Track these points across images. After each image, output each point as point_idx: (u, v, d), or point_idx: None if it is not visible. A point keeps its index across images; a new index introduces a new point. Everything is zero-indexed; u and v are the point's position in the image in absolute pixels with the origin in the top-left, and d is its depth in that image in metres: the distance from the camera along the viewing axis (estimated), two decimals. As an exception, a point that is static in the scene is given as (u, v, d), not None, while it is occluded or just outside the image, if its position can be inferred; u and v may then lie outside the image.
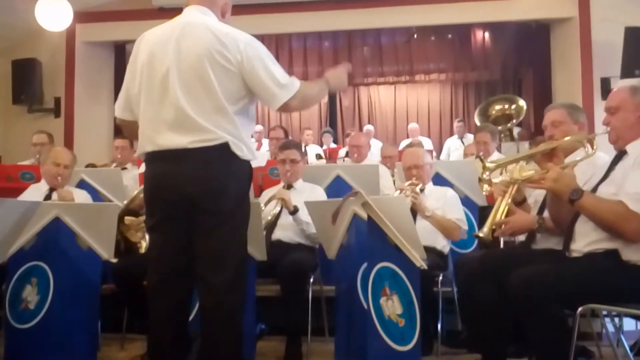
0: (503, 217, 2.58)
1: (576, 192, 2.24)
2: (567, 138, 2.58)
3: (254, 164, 2.51)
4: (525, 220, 2.67)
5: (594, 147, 2.45)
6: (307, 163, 5.87)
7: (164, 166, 2.34)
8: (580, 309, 2.14)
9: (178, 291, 2.38)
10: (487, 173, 2.49)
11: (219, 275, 2.30)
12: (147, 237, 3.31)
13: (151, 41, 2.41)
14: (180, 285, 2.38)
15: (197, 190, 2.29)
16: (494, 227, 2.52)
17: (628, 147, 2.36)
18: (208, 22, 2.39)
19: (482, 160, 2.49)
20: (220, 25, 2.39)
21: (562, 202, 2.35)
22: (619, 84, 5.74)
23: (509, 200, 2.56)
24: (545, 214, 2.69)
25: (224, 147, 2.31)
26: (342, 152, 7.10)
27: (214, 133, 2.29)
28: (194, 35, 2.34)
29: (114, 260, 3.34)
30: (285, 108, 2.42)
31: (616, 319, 2.78)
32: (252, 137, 8.02)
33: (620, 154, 2.40)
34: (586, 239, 2.33)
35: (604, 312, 2.50)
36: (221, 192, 2.31)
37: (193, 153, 2.29)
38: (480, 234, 2.57)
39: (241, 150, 2.35)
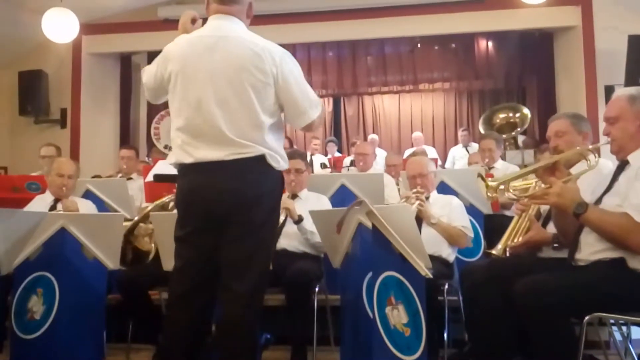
0: (520, 239, 2.58)
1: (581, 206, 2.23)
2: (567, 152, 2.55)
3: None
4: (541, 238, 2.67)
5: (596, 158, 2.42)
6: (312, 172, 5.88)
7: (201, 178, 2.32)
8: (587, 317, 2.13)
9: (199, 302, 2.38)
10: (491, 192, 2.47)
11: (244, 284, 2.30)
12: (154, 242, 3.33)
13: (183, 54, 2.36)
14: (202, 297, 2.37)
15: (234, 201, 2.29)
16: (507, 247, 2.52)
17: (630, 157, 2.35)
18: (242, 34, 2.37)
19: (483, 179, 2.47)
20: (255, 38, 2.36)
21: (567, 216, 2.34)
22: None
23: (527, 222, 2.55)
24: (550, 226, 2.69)
25: (260, 159, 2.31)
26: (347, 161, 7.11)
27: (250, 147, 2.29)
28: (230, 50, 2.31)
29: (123, 268, 3.34)
30: (309, 126, 2.44)
31: (624, 328, 2.76)
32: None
33: (623, 164, 2.38)
34: (591, 249, 2.32)
35: (612, 321, 2.48)
36: (256, 203, 2.31)
37: (229, 164, 2.28)
38: (494, 252, 2.57)
39: (277, 161, 2.36)
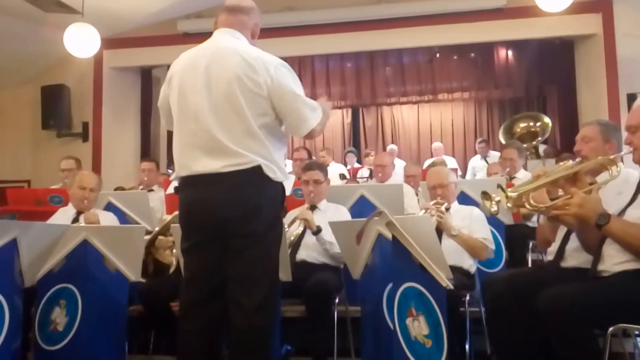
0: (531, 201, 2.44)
1: (603, 217, 2.19)
2: (588, 162, 2.48)
3: None
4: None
5: (618, 168, 2.38)
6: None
7: (198, 191, 2.37)
8: (611, 328, 2.10)
9: (210, 312, 2.39)
10: (511, 203, 2.41)
11: (251, 297, 2.31)
12: (174, 254, 3.34)
13: (183, 66, 2.44)
14: (212, 307, 2.39)
15: (231, 214, 2.32)
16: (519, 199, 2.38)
17: None
18: (238, 46, 2.41)
19: (503, 190, 2.42)
20: (250, 49, 2.41)
21: (589, 227, 2.30)
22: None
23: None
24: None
25: (257, 170, 2.33)
26: (364, 172, 7.10)
27: (246, 157, 2.32)
28: (224, 60, 2.36)
29: (143, 281, 3.37)
30: (311, 134, 2.45)
31: (649, 339, 2.71)
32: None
33: None
34: (614, 260, 2.29)
35: (637, 332, 2.43)
36: (254, 214, 2.33)
37: (226, 177, 2.31)
38: (509, 193, 2.39)
39: (274, 172, 2.37)
